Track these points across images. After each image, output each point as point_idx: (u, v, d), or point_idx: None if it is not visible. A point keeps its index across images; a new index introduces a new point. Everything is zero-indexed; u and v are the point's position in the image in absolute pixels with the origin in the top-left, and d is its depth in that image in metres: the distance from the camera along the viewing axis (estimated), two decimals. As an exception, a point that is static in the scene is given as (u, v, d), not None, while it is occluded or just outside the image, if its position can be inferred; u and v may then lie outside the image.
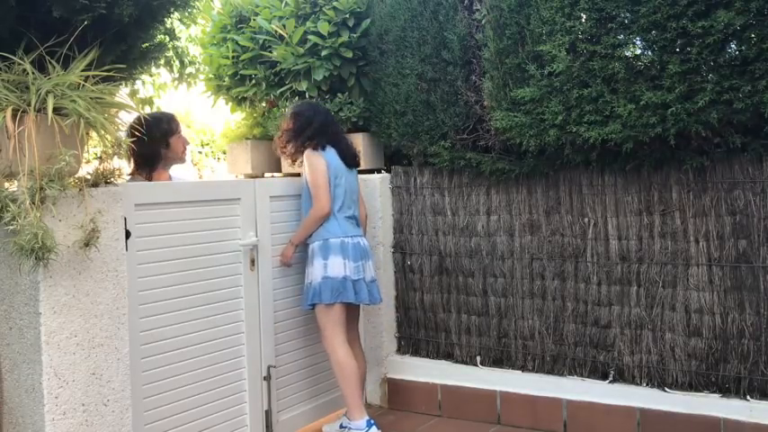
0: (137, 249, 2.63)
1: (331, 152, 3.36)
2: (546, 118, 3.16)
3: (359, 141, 3.86)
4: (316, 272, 3.25)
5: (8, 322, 2.35)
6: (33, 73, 2.22)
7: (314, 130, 3.35)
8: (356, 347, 3.42)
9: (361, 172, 3.67)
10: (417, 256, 3.88)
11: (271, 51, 4.06)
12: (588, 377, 3.42)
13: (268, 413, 3.19)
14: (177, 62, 5.33)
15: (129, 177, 3.15)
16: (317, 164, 3.29)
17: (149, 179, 3.15)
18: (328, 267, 3.23)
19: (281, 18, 4.01)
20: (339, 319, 3.25)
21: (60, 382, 2.28)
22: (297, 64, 3.94)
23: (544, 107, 3.17)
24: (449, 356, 3.83)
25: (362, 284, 3.30)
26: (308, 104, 3.60)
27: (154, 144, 3.04)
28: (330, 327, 3.24)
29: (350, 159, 3.44)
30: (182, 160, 3.28)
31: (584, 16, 3.06)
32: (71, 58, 2.33)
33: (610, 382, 3.36)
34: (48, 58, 2.29)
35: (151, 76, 5.34)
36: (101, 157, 2.40)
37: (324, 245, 3.27)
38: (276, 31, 4.00)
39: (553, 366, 3.52)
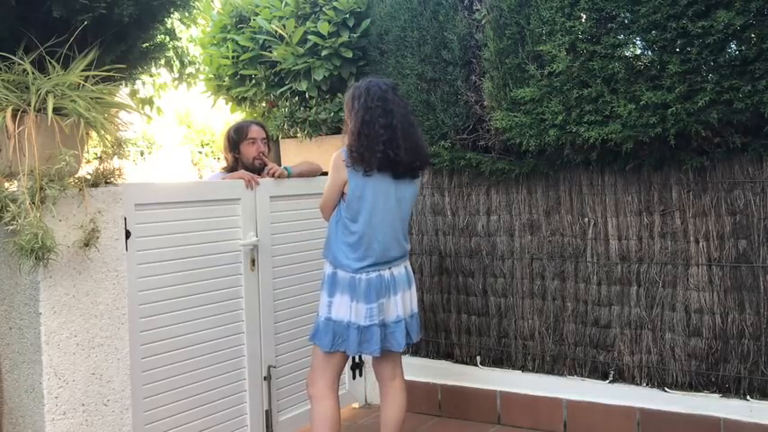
0: (137, 249, 2.63)
1: None
2: (546, 118, 3.16)
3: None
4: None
5: (8, 322, 2.35)
6: (33, 73, 2.22)
7: None
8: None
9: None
10: (417, 256, 3.88)
11: (271, 51, 4.06)
12: (588, 377, 3.42)
13: (268, 413, 3.19)
14: (177, 62, 5.33)
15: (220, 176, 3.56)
16: None
17: None
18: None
19: (281, 18, 4.01)
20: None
21: (60, 382, 2.28)
22: (297, 64, 3.94)
23: (544, 107, 3.17)
24: (449, 356, 3.83)
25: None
26: None
27: (230, 150, 3.52)
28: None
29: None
30: (252, 166, 3.44)
31: (584, 16, 3.06)
32: (71, 58, 2.33)
33: (610, 382, 3.36)
34: (48, 58, 2.29)
35: (151, 76, 5.34)
36: (101, 157, 2.40)
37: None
38: (276, 31, 4.00)
39: (553, 366, 3.52)
